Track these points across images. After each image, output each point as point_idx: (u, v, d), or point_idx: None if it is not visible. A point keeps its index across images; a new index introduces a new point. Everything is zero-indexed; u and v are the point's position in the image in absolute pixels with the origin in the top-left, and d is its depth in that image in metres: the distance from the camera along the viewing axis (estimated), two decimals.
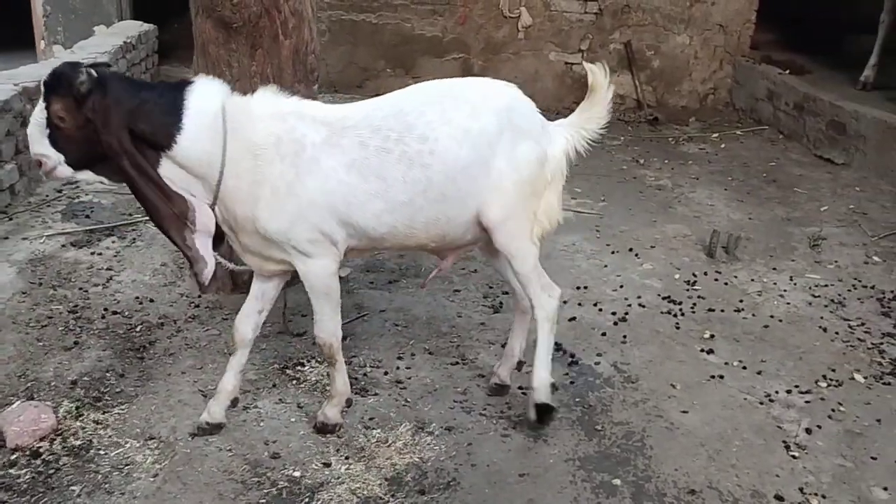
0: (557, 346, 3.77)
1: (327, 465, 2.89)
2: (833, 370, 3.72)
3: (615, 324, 4.06)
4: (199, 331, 3.74)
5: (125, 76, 2.87)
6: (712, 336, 3.98)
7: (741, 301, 4.37)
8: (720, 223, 5.44)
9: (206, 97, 2.77)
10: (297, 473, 2.85)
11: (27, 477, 2.74)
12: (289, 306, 3.72)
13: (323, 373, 3.45)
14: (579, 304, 4.23)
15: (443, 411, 3.24)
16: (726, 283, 4.58)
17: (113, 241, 4.62)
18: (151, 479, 2.77)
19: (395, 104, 2.88)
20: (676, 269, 4.73)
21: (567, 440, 3.12)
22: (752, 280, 4.64)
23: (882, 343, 3.99)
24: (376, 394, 3.34)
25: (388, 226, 2.84)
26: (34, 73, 5.41)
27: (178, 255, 4.38)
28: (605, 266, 4.73)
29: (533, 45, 8.36)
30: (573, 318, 4.07)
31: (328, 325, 2.97)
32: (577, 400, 3.39)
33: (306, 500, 2.73)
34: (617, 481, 2.90)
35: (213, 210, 2.83)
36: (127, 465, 2.84)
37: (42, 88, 2.69)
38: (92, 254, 4.46)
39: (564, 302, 4.22)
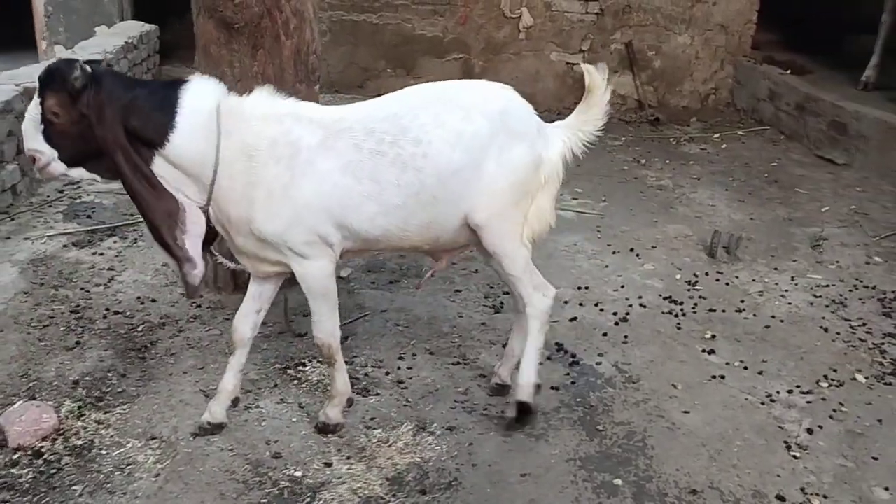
0: (559, 347, 3.78)
1: (328, 464, 2.90)
2: (834, 370, 3.72)
3: (616, 324, 4.06)
4: (201, 331, 3.75)
5: (120, 73, 2.88)
6: (713, 336, 3.98)
7: (742, 301, 4.37)
8: (721, 223, 5.44)
9: (200, 96, 2.76)
10: (298, 473, 2.85)
11: (29, 477, 2.75)
12: (291, 306, 3.72)
13: (324, 373, 3.45)
14: (580, 305, 4.23)
15: (444, 411, 3.25)
16: (727, 284, 4.58)
17: (114, 242, 4.63)
18: (153, 479, 2.78)
19: (390, 107, 2.88)
20: (678, 270, 4.73)
21: (568, 440, 3.12)
22: (754, 280, 4.64)
23: (883, 343, 3.99)
24: (377, 394, 3.34)
25: (382, 228, 2.84)
26: (35, 73, 5.40)
27: None
28: (607, 266, 4.73)
29: (534, 45, 8.37)
30: (574, 319, 4.08)
31: (326, 325, 2.97)
32: (579, 400, 3.39)
33: (308, 499, 2.73)
34: (618, 481, 2.90)
35: (206, 210, 2.82)
36: (129, 464, 2.84)
37: (37, 84, 2.70)
38: (94, 254, 4.46)
39: (565, 302, 4.24)
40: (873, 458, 3.13)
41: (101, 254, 4.47)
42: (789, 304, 4.38)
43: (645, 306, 4.26)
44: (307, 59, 3.80)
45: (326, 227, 2.79)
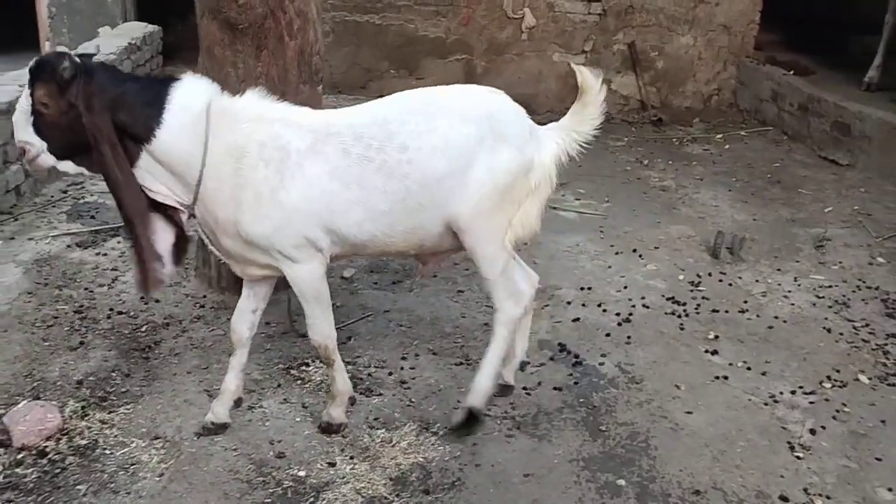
0: (562, 347, 3.79)
1: (332, 464, 2.90)
2: (837, 371, 3.72)
3: (619, 324, 4.06)
4: (205, 331, 3.75)
5: (111, 66, 2.87)
6: (717, 337, 3.98)
7: (745, 302, 4.37)
8: (724, 224, 5.44)
9: (190, 94, 2.76)
10: (302, 473, 2.86)
11: (33, 476, 2.76)
12: (294, 306, 3.73)
13: (327, 373, 3.45)
14: (583, 305, 4.23)
15: (447, 411, 3.25)
16: (730, 284, 4.58)
17: (118, 242, 4.64)
18: (157, 479, 2.78)
19: (379, 112, 2.87)
20: (681, 270, 4.73)
21: (571, 440, 3.12)
22: (757, 281, 4.64)
23: (886, 344, 3.99)
24: (381, 394, 3.35)
25: (369, 234, 2.84)
26: None
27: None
28: (609, 267, 4.74)
29: (536, 46, 8.36)
30: (577, 319, 4.08)
31: (321, 327, 2.97)
32: (582, 400, 3.39)
33: (311, 499, 2.74)
34: (621, 482, 2.91)
35: (192, 211, 2.82)
36: (133, 464, 2.85)
37: (27, 75, 2.71)
38: (97, 254, 4.47)
39: (568, 302, 4.24)
40: (876, 458, 3.13)
41: (105, 254, 4.48)
42: (792, 304, 4.37)
43: (648, 307, 4.26)
44: (311, 60, 3.81)
45: (315, 231, 2.79)
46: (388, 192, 2.78)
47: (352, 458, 2.95)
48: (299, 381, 3.40)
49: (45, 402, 3.08)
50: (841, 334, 4.07)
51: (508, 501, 2.79)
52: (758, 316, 4.23)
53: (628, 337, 3.93)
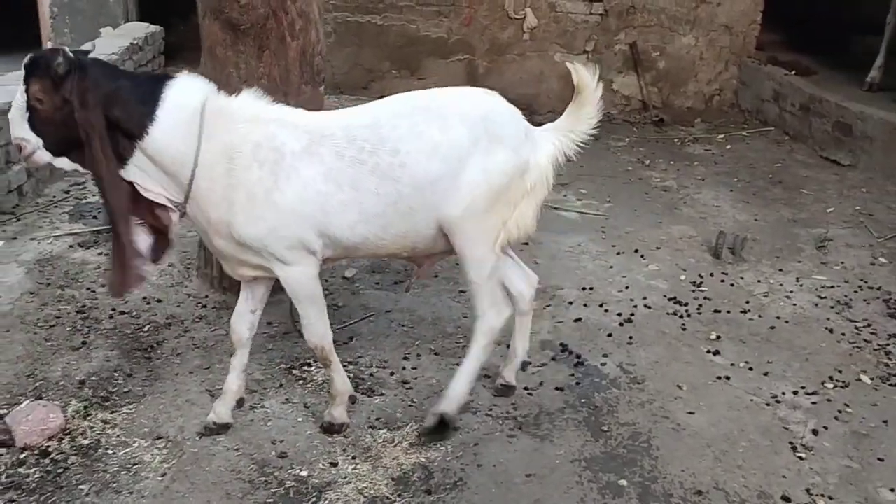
0: (563, 347, 3.79)
1: (334, 464, 2.91)
2: (839, 371, 3.72)
3: (621, 325, 4.06)
4: (207, 331, 3.76)
5: (106, 62, 2.87)
6: (718, 337, 3.98)
7: (747, 302, 4.36)
8: (726, 224, 5.44)
9: (185, 93, 2.76)
10: (304, 473, 2.86)
11: (36, 476, 2.76)
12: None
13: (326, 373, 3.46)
14: (585, 305, 4.23)
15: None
16: (732, 285, 4.58)
17: None
18: (159, 479, 2.79)
19: (373, 115, 2.86)
20: (682, 271, 4.73)
21: (573, 441, 3.12)
22: (759, 281, 4.64)
23: (888, 344, 3.99)
24: (382, 394, 3.35)
25: (361, 236, 2.83)
26: None
27: (186, 256, 4.41)
28: (611, 267, 4.74)
29: (538, 46, 8.36)
30: (579, 319, 4.08)
31: (317, 327, 2.96)
32: (584, 401, 3.39)
33: (313, 499, 2.74)
34: (623, 482, 2.91)
35: (184, 209, 2.82)
36: (135, 464, 2.85)
37: (22, 71, 2.71)
38: (99, 254, 4.48)
39: (570, 303, 4.24)
40: (879, 459, 3.13)
41: (107, 254, 4.48)
42: (794, 304, 4.37)
43: (650, 307, 4.26)
44: (312, 61, 3.81)
45: (308, 233, 2.78)
46: (380, 194, 2.77)
47: (354, 458, 2.95)
48: (301, 381, 3.40)
49: (48, 402, 3.09)
50: (843, 335, 4.07)
51: (510, 501, 2.79)
52: (760, 316, 4.23)
53: (630, 337, 3.93)
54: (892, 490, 2.95)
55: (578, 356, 3.72)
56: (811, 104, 7.23)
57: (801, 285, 4.60)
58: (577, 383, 3.52)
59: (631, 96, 8.49)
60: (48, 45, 8.17)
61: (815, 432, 3.26)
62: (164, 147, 2.72)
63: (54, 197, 5.27)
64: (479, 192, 2.84)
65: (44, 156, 2.77)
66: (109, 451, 2.90)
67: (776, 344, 3.96)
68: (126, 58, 6.85)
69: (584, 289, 4.42)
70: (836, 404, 3.46)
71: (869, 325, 4.16)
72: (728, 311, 4.25)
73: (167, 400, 3.23)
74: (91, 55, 2.83)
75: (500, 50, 8.38)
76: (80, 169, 2.84)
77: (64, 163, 2.81)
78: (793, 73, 7.84)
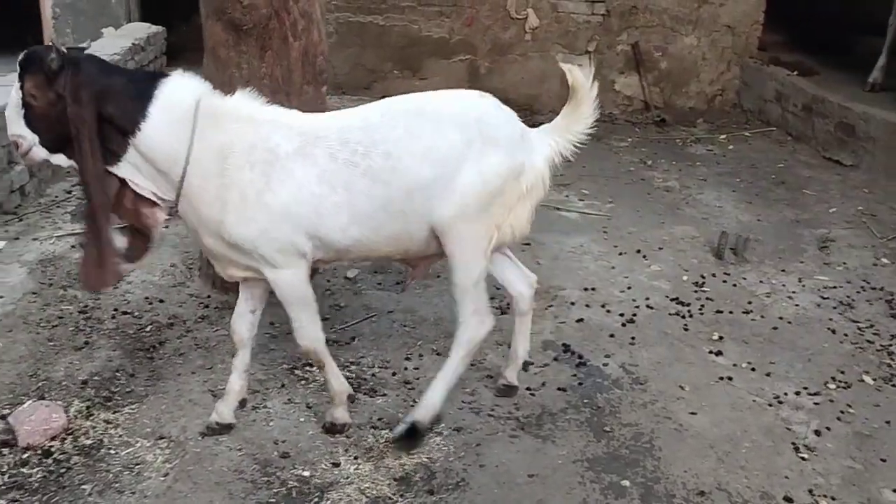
0: (566, 348, 3.79)
1: (336, 464, 2.90)
2: (842, 372, 3.72)
3: (623, 325, 4.06)
4: (209, 331, 3.76)
5: (99, 58, 2.87)
6: (721, 338, 3.98)
7: (750, 303, 4.36)
8: (728, 225, 5.43)
9: (179, 91, 2.75)
10: (306, 473, 2.86)
11: (39, 476, 2.76)
12: None
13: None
14: (587, 306, 4.23)
15: (451, 412, 3.25)
16: (735, 285, 4.58)
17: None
18: (162, 479, 2.79)
19: (366, 117, 2.85)
20: (685, 271, 4.72)
21: (576, 441, 3.12)
22: (761, 282, 4.63)
23: (891, 345, 3.98)
24: (384, 394, 3.35)
25: (353, 239, 2.81)
26: None
27: (188, 256, 4.41)
28: (613, 267, 4.73)
29: (540, 46, 8.36)
30: (581, 320, 4.08)
31: (308, 331, 2.92)
32: (586, 401, 3.39)
33: (316, 499, 2.74)
34: (626, 483, 2.91)
35: (176, 207, 2.81)
36: (137, 464, 2.85)
37: (17, 69, 2.72)
38: None
39: (572, 303, 4.24)
40: (881, 459, 3.12)
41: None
42: (797, 305, 4.37)
43: (652, 307, 4.25)
44: (315, 61, 3.81)
45: (299, 235, 2.76)
46: (372, 197, 2.76)
47: (356, 458, 2.95)
48: (303, 382, 3.41)
49: (50, 401, 3.09)
50: (845, 335, 4.07)
51: (512, 502, 2.79)
52: (762, 317, 4.22)
53: (632, 338, 3.92)
54: (894, 491, 2.95)
55: (581, 356, 3.72)
56: (813, 104, 7.23)
57: (803, 286, 4.60)
58: (580, 384, 3.52)
59: (633, 97, 8.48)
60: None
61: (817, 433, 3.25)
62: (155, 144, 2.72)
63: (56, 197, 5.27)
64: (472, 195, 2.81)
65: (40, 152, 2.77)
66: (112, 451, 2.91)
67: (779, 344, 3.96)
68: (128, 58, 6.86)
69: (586, 289, 4.41)
70: (838, 405, 3.46)
71: (871, 326, 4.16)
72: (730, 312, 4.25)
73: (169, 400, 3.23)
74: (86, 52, 2.83)
75: (502, 50, 8.38)
76: (77, 166, 2.83)
77: (60, 159, 2.80)
78: (795, 73, 7.83)
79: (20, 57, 2.71)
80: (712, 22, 8.41)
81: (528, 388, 3.44)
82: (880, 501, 2.90)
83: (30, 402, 3.06)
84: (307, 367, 3.50)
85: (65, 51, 2.67)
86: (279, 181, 2.71)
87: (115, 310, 3.89)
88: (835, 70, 7.93)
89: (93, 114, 2.65)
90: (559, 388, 3.46)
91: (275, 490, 2.77)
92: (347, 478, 2.84)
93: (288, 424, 3.12)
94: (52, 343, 3.58)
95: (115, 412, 3.12)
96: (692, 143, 7.51)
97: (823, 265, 4.89)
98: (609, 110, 8.25)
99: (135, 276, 4.25)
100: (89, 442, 2.94)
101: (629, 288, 4.46)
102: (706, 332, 4.04)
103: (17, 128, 2.75)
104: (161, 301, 4.01)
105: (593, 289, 4.42)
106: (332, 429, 3.07)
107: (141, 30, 7.84)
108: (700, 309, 4.26)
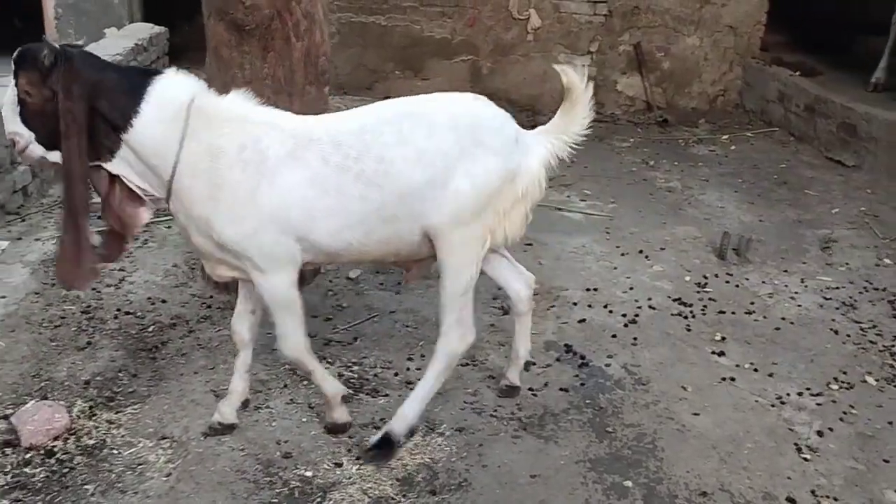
0: (568, 348, 3.79)
1: (339, 465, 2.91)
2: (845, 373, 3.71)
3: (625, 325, 4.06)
4: (211, 331, 3.76)
5: (93, 54, 2.87)
6: (723, 338, 3.97)
7: (752, 303, 4.36)
8: (731, 225, 5.43)
9: (172, 89, 2.75)
10: (308, 473, 2.86)
11: (41, 476, 2.76)
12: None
13: (334, 373, 3.46)
14: (589, 306, 4.23)
15: (453, 412, 3.25)
16: (737, 286, 4.57)
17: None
18: (164, 479, 2.79)
19: (359, 121, 2.83)
20: (687, 272, 4.72)
21: (578, 442, 3.12)
22: (764, 282, 4.63)
23: (894, 345, 3.98)
24: (387, 394, 3.35)
25: (345, 242, 2.79)
26: None
27: (190, 256, 4.41)
28: (615, 268, 4.73)
29: (542, 46, 8.36)
30: (583, 320, 4.07)
31: (293, 338, 2.88)
32: (588, 402, 3.39)
33: (318, 499, 2.74)
34: (628, 483, 2.90)
35: (168, 205, 2.81)
36: (140, 464, 2.86)
37: (12, 66, 2.71)
38: None
39: (574, 304, 4.24)
40: (884, 460, 3.12)
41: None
42: (799, 306, 4.36)
43: (654, 308, 4.25)
44: (317, 61, 3.81)
45: (288, 239, 2.74)
46: (364, 200, 2.73)
47: (358, 458, 2.95)
48: (305, 382, 3.40)
49: (53, 401, 3.09)
50: (848, 336, 4.06)
51: (515, 502, 2.79)
52: (765, 317, 4.22)
53: (634, 338, 3.92)
54: None
55: (583, 357, 3.72)
56: (816, 105, 7.22)
57: (806, 286, 4.59)
58: (582, 384, 3.52)
59: (635, 97, 8.48)
60: None
61: (820, 434, 3.25)
62: (146, 141, 2.71)
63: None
64: (465, 200, 2.78)
65: (37, 150, 2.77)
66: (114, 451, 2.91)
67: (781, 345, 3.95)
68: (130, 59, 6.86)
69: (588, 290, 4.41)
70: (841, 405, 3.46)
71: (874, 327, 4.16)
72: (733, 312, 4.24)
73: (172, 400, 3.23)
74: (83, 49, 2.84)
75: (504, 50, 8.37)
76: (62, 160, 2.82)
77: (57, 156, 2.79)
78: (797, 73, 7.83)
79: (14, 54, 2.72)
80: (714, 22, 8.41)
81: (530, 389, 3.44)
82: (883, 502, 2.90)
83: (33, 402, 3.06)
84: None
85: (56, 46, 2.68)
86: (269, 184, 2.70)
87: (118, 310, 3.90)
88: (837, 70, 7.93)
89: (83, 109, 2.65)
90: (561, 389, 3.46)
91: (277, 490, 2.77)
92: (350, 478, 2.85)
93: (290, 424, 3.12)
94: (54, 343, 3.58)
95: (117, 412, 3.12)
96: (694, 144, 7.51)
97: (826, 266, 4.89)
98: (611, 111, 8.26)
99: (137, 276, 4.26)
100: (92, 442, 2.94)
101: (631, 288, 4.46)
102: (708, 332, 4.03)
103: (14, 125, 2.75)
104: (164, 301, 4.01)
105: (595, 289, 4.42)
106: (334, 429, 3.07)
107: (143, 30, 7.85)
108: (702, 309, 4.26)
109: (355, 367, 3.53)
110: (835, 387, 3.60)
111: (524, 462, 2.98)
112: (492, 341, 3.83)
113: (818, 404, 3.46)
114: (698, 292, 4.46)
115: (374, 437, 2.95)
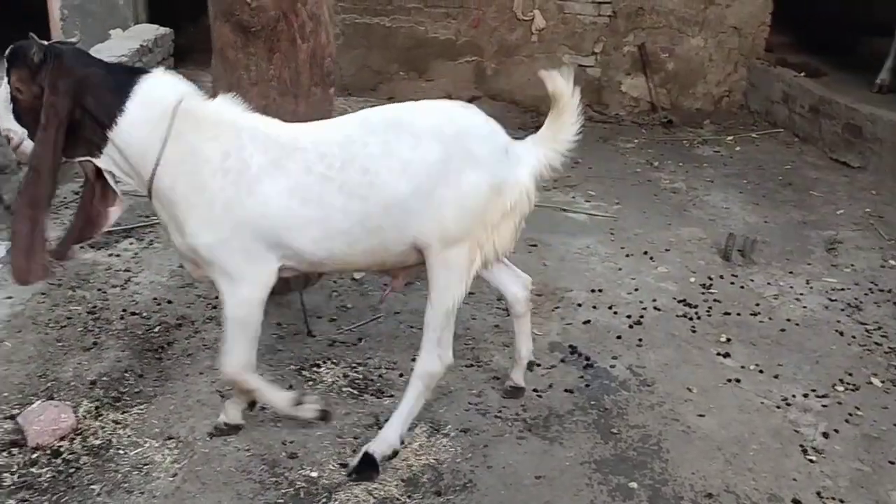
0: (573, 349, 3.79)
1: (344, 465, 2.91)
2: (850, 374, 3.71)
3: (630, 327, 4.05)
4: (217, 331, 3.75)
5: (83, 51, 2.88)
6: (728, 340, 3.97)
7: (757, 304, 4.35)
8: (735, 226, 5.42)
9: (158, 89, 2.75)
10: (314, 474, 2.87)
11: (48, 476, 2.77)
12: (307, 308, 3.75)
13: (339, 374, 3.48)
14: (594, 307, 4.23)
15: (458, 413, 3.25)
16: (742, 287, 4.57)
17: (130, 243, 4.67)
18: (170, 479, 2.80)
19: (345, 130, 2.79)
20: (692, 273, 4.72)
21: (583, 443, 3.12)
22: (769, 283, 4.62)
23: None
24: (391, 395, 3.35)
25: (327, 251, 2.77)
26: None
27: None
28: (620, 269, 4.73)
29: (546, 47, 8.36)
30: (588, 321, 4.07)
31: (239, 357, 2.82)
32: (593, 403, 3.39)
33: (324, 500, 2.75)
34: (633, 484, 2.90)
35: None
36: (146, 464, 2.86)
37: (4, 64, 2.74)
38: (110, 255, 4.50)
39: (579, 305, 4.24)
40: (890, 462, 3.12)
41: (118, 255, 4.51)
42: (804, 307, 4.36)
43: (659, 309, 4.25)
44: (322, 63, 3.82)
45: (261, 248, 2.71)
46: (347, 212, 2.70)
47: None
48: (311, 382, 3.41)
49: (59, 402, 3.10)
50: (853, 337, 4.05)
51: (520, 503, 2.79)
52: (770, 318, 4.22)
53: (639, 339, 3.92)
54: None
55: (588, 358, 3.72)
56: (821, 106, 7.21)
57: (811, 287, 4.59)
58: (587, 385, 3.52)
59: (639, 98, 8.47)
60: None
61: (825, 435, 3.25)
62: (129, 139, 2.72)
63: (65, 198, 5.29)
64: (451, 213, 2.72)
65: (30, 146, 2.78)
66: (121, 451, 2.92)
67: (786, 346, 3.95)
68: (136, 60, 6.89)
69: (593, 291, 4.41)
70: (846, 407, 3.45)
71: (879, 328, 4.15)
72: (738, 314, 4.24)
73: (178, 400, 3.24)
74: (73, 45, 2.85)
75: (509, 51, 8.37)
76: (63, 159, 2.82)
77: None
78: (802, 74, 7.80)
79: (6, 52, 2.74)
80: (719, 23, 8.40)
81: (535, 390, 3.44)
82: None
83: (39, 402, 3.07)
84: (314, 368, 3.51)
85: (45, 43, 2.69)
86: (249, 192, 2.68)
87: (124, 310, 3.91)
88: (842, 71, 7.91)
89: (66, 105, 2.66)
90: (566, 390, 3.46)
91: (283, 490, 2.78)
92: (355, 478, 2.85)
93: (296, 425, 3.12)
94: (60, 343, 3.59)
95: (123, 412, 3.13)
96: (699, 145, 7.50)
97: (831, 267, 4.88)
98: (616, 111, 8.25)
99: (143, 276, 4.28)
100: (98, 442, 2.95)
101: (636, 289, 4.46)
102: (714, 333, 4.03)
103: (7, 122, 2.78)
104: (169, 302, 4.02)
105: (600, 290, 4.42)
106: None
107: (149, 31, 7.86)
108: (707, 311, 4.25)
109: (360, 368, 3.53)
110: (840, 388, 3.60)
111: (529, 463, 2.99)
112: (496, 342, 3.83)
113: (824, 406, 3.46)
114: (703, 293, 4.46)
115: (355, 459, 2.88)
